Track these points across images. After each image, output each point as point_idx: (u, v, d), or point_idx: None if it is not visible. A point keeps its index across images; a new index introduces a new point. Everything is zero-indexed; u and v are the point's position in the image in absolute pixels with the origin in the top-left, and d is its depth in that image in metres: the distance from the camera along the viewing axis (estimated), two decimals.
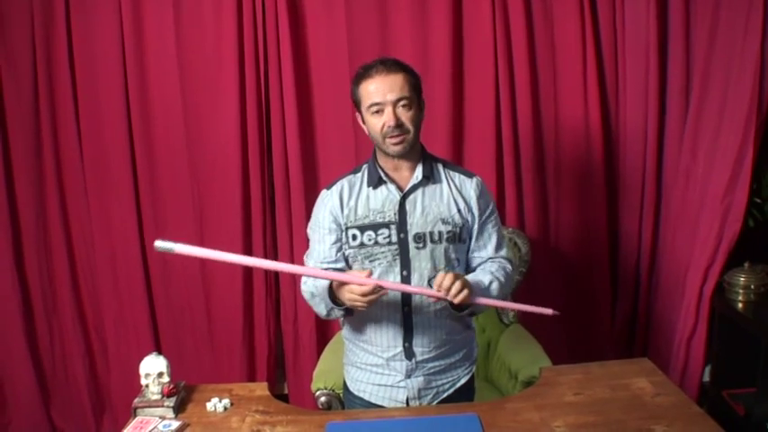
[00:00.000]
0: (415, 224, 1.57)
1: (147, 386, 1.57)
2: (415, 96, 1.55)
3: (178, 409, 1.56)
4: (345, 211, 1.60)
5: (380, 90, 1.51)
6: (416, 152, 1.60)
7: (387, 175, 1.60)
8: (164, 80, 2.59)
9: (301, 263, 1.70)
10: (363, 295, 1.42)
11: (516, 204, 2.66)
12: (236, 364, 2.77)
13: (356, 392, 1.69)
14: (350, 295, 1.44)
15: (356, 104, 1.60)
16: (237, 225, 2.66)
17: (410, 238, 1.56)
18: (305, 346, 2.75)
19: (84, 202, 2.69)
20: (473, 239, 1.64)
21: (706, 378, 2.48)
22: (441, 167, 1.64)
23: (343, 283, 1.47)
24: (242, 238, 2.67)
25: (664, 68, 2.52)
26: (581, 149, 2.65)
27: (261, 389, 1.66)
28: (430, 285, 1.52)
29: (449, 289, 1.41)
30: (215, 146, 2.63)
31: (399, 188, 1.59)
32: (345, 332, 1.73)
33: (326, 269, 1.58)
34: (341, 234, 1.61)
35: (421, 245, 1.56)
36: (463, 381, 1.68)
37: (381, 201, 1.59)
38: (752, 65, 2.13)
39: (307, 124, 2.62)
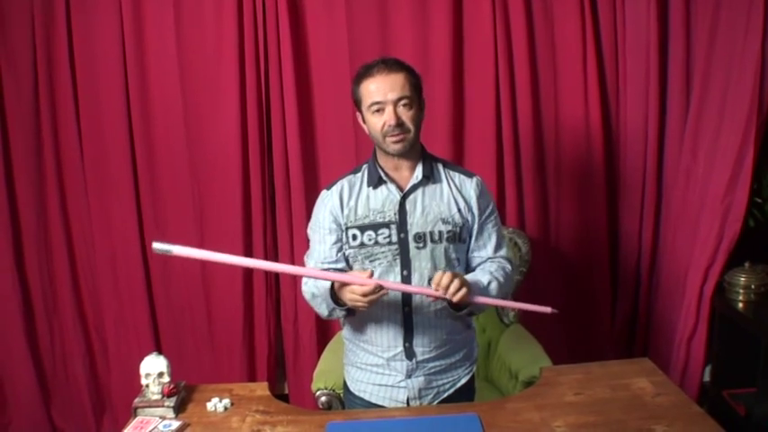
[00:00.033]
0: (416, 224, 1.57)
1: (147, 386, 1.56)
2: (416, 96, 1.55)
3: (178, 409, 1.56)
4: (345, 211, 1.60)
5: (381, 89, 1.51)
6: (416, 152, 1.60)
7: (387, 174, 1.60)
8: (164, 80, 2.59)
9: (302, 263, 1.70)
10: (364, 295, 1.41)
11: (516, 204, 2.66)
12: (236, 363, 2.77)
13: (357, 393, 1.68)
14: (350, 295, 1.44)
15: (357, 104, 1.60)
16: (238, 225, 2.66)
17: (410, 238, 1.56)
18: (305, 346, 2.75)
19: (85, 202, 2.69)
20: (473, 239, 1.64)
21: (706, 378, 2.48)
22: (441, 167, 1.64)
23: (344, 284, 1.47)
24: (242, 237, 2.67)
25: (664, 68, 2.52)
26: (581, 149, 2.65)
27: (261, 389, 1.66)
28: (430, 285, 1.52)
29: (447, 287, 1.41)
30: (215, 146, 2.63)
31: (399, 188, 1.59)
32: (346, 332, 1.73)
33: (327, 269, 1.58)
34: (341, 234, 1.61)
35: (421, 244, 1.56)
36: (463, 381, 1.68)
37: (381, 201, 1.59)
38: (752, 65, 2.13)
39: (307, 124, 2.62)
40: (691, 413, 1.47)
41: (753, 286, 2.30)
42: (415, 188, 1.59)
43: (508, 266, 1.66)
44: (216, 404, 1.57)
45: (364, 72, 1.55)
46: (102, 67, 2.57)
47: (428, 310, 1.58)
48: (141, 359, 1.58)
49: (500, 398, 2.10)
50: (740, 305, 2.30)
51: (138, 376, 1.57)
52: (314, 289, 1.59)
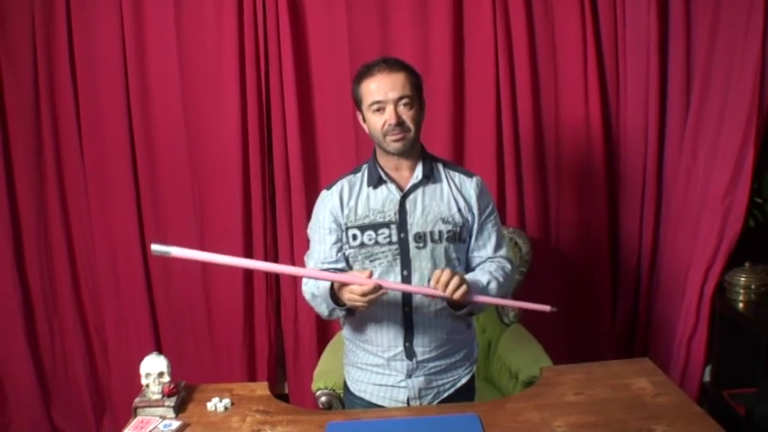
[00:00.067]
0: (416, 224, 1.57)
1: (147, 386, 1.56)
2: (417, 95, 1.56)
3: (178, 409, 1.56)
4: (345, 211, 1.60)
5: (382, 88, 1.52)
6: (416, 152, 1.60)
7: (387, 174, 1.60)
8: (164, 80, 2.59)
9: (302, 263, 1.70)
10: (363, 295, 1.41)
11: (517, 204, 2.66)
12: (236, 363, 2.77)
13: (357, 393, 1.68)
14: (350, 295, 1.44)
15: (357, 103, 1.60)
16: (238, 224, 2.66)
17: (410, 238, 1.56)
18: (305, 346, 2.75)
19: (85, 202, 2.69)
20: (472, 239, 1.64)
21: (706, 378, 2.48)
22: (441, 167, 1.64)
23: (344, 284, 1.47)
24: (242, 237, 2.67)
25: (664, 68, 2.52)
26: (582, 149, 2.65)
27: (261, 389, 1.66)
28: (430, 285, 1.51)
29: (447, 284, 1.41)
30: (215, 145, 2.63)
31: (399, 188, 1.59)
32: (346, 332, 1.73)
33: (327, 269, 1.58)
34: (341, 234, 1.61)
35: (421, 244, 1.56)
36: (464, 381, 1.68)
37: (381, 200, 1.59)
38: (753, 64, 2.13)
39: (307, 124, 2.62)
40: (691, 413, 1.47)
41: (753, 286, 2.30)
42: (415, 188, 1.59)
43: (508, 266, 1.66)
44: (216, 404, 1.57)
45: (365, 71, 1.55)
46: (102, 66, 2.57)
47: (428, 310, 1.58)
48: (141, 359, 1.58)
49: (500, 398, 2.10)
50: (740, 305, 2.29)
51: (138, 376, 1.57)
52: (314, 289, 1.59)
